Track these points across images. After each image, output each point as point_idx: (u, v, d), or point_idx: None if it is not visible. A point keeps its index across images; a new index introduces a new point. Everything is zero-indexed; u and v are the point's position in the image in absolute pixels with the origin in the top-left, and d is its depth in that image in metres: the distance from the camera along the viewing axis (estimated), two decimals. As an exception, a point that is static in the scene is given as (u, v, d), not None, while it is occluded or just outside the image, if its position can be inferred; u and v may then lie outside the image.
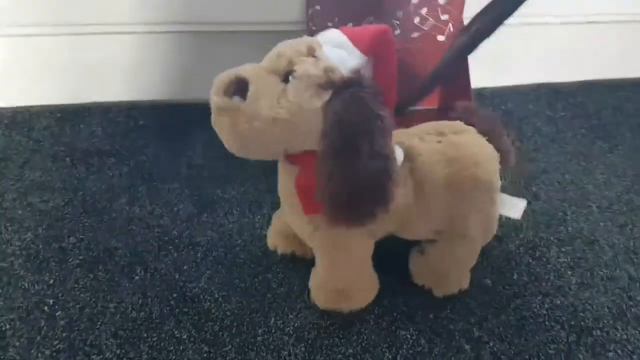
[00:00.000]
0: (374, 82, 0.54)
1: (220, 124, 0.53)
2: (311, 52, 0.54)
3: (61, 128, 0.90)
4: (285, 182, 0.60)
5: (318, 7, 0.86)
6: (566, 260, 0.76)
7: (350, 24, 0.88)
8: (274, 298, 0.67)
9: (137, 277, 0.68)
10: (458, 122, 0.66)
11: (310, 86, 0.52)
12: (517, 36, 1.07)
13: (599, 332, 0.67)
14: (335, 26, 0.87)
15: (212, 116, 0.54)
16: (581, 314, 0.69)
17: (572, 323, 0.67)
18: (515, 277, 0.73)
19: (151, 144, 0.89)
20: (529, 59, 1.12)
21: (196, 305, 0.65)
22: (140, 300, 0.65)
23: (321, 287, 0.65)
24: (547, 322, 0.67)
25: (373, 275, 0.65)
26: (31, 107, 0.94)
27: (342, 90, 0.52)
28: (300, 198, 0.58)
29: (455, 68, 0.66)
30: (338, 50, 0.54)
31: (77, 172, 0.82)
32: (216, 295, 0.67)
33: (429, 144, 0.63)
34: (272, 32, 0.92)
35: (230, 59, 0.92)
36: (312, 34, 0.87)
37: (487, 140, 0.64)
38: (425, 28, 0.92)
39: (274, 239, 0.72)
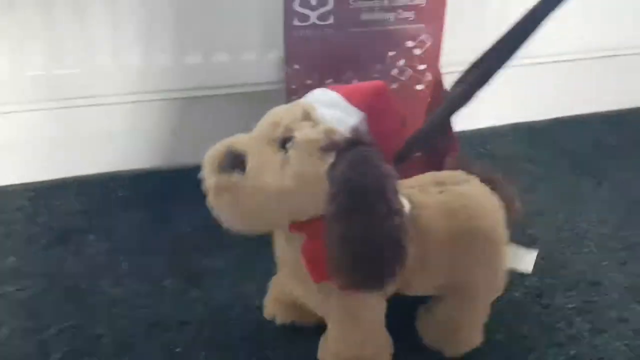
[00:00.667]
0: (373, 139, 0.52)
1: (220, 204, 0.51)
2: (307, 116, 0.52)
3: (35, 207, 0.86)
4: (289, 252, 0.57)
5: (297, 66, 0.85)
6: (574, 305, 0.73)
7: (330, 80, 0.87)
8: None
9: (126, 366, 0.63)
10: (459, 171, 0.64)
11: (312, 151, 0.51)
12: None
13: (618, 382, 0.64)
14: (316, 84, 0.87)
15: (210, 196, 0.51)
16: (598, 363, 0.66)
17: (590, 374, 0.64)
18: (526, 329, 0.70)
19: (132, 216, 0.85)
20: (503, 100, 1.13)
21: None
22: (132, 392, 0.60)
23: (334, 357, 0.61)
24: (564, 376, 0.64)
25: (387, 336, 0.62)
26: (1, 187, 0.89)
27: (345, 150, 0.51)
28: (309, 267, 0.55)
29: (451, 118, 0.64)
30: (333, 111, 0.53)
31: (55, 254, 0.78)
32: None
33: (429, 195, 0.60)
34: (252, 93, 0.90)
35: (211, 123, 0.91)
36: (292, 92, 0.86)
37: (491, 189, 0.62)
38: (404, 79, 0.91)
39: (272, 308, 0.68)
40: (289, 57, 0.85)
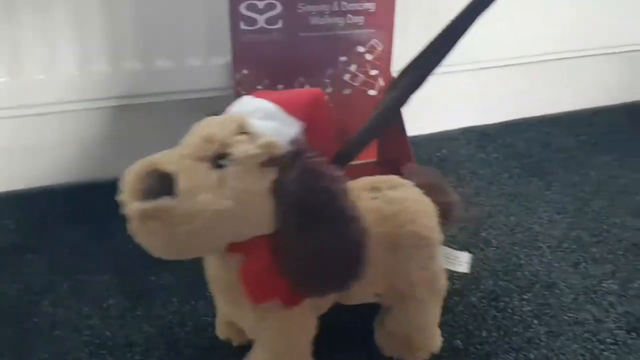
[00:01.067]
0: (313, 149, 0.51)
1: (146, 233, 0.46)
2: (243, 129, 0.49)
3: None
4: (224, 273, 0.53)
5: (246, 72, 0.83)
6: (530, 308, 0.73)
7: (281, 86, 0.85)
8: None
9: (69, 394, 0.59)
10: (394, 176, 0.63)
11: (252, 167, 0.48)
12: (440, 84, 1.08)
13: (578, 384, 0.64)
14: (267, 89, 0.84)
15: (133, 224, 0.45)
16: (556, 366, 0.66)
17: (550, 378, 0.64)
18: (484, 334, 0.69)
19: (72, 231, 0.81)
20: (453, 105, 1.14)
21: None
22: (75, 422, 0.56)
23: None
24: (525, 381, 0.64)
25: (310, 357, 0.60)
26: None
27: (288, 164, 0.49)
28: (248, 288, 0.52)
29: (387, 123, 0.64)
30: (269, 122, 0.50)
31: (-11, 274, 0.72)
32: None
33: (364, 202, 0.58)
34: (198, 100, 0.87)
35: (154, 131, 0.87)
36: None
37: (427, 193, 0.62)
38: (356, 84, 0.90)
39: (225, 331, 0.65)
40: (237, 61, 0.82)
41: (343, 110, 0.91)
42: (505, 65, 1.15)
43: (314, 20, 0.83)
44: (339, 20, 0.84)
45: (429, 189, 0.62)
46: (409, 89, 0.61)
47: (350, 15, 0.84)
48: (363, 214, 0.55)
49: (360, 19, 0.85)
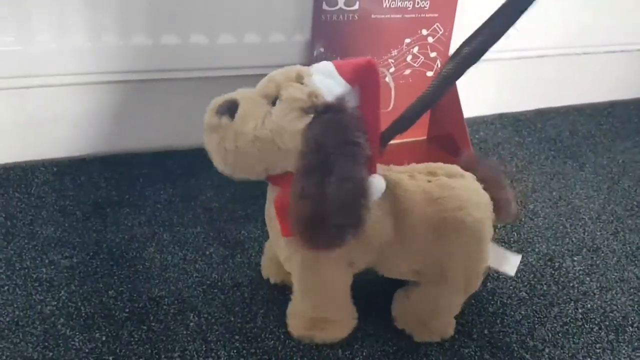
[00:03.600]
0: (356, 110, 0.55)
1: (210, 142, 0.56)
2: (299, 79, 0.56)
3: (61, 182, 0.86)
4: (268, 205, 0.61)
5: (322, 49, 0.90)
6: (581, 268, 0.82)
7: (350, 64, 0.92)
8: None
9: (192, 324, 0.66)
10: (455, 165, 0.65)
11: (294, 109, 0.54)
12: (479, 71, 1.16)
13: (631, 329, 0.72)
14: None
15: (204, 135, 0.56)
16: (611, 314, 0.74)
17: (607, 323, 0.73)
18: (545, 287, 0.77)
19: (161, 191, 0.87)
20: (489, 91, 1.22)
21: (261, 345, 0.64)
22: (204, 346, 0.63)
23: (296, 315, 0.64)
24: (586, 325, 0.72)
25: (350, 307, 0.64)
26: (22, 162, 0.89)
27: (323, 114, 0.54)
28: (279, 219, 0.58)
29: (441, 95, 0.64)
30: (326, 79, 0.56)
31: (93, 225, 0.79)
32: (277, 333, 0.66)
33: (417, 181, 0.62)
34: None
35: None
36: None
37: (485, 188, 0.63)
38: (416, 65, 0.98)
39: (266, 269, 0.71)
40: (315, 39, 0.90)
41: (401, 89, 0.99)
42: (538, 56, 1.23)
43: (386, 4, 0.91)
44: (408, 4, 0.92)
45: (489, 184, 0.64)
46: (465, 62, 0.61)
47: (417, 0, 0.92)
48: (408, 191, 0.59)
49: (426, 3, 0.93)
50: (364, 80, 0.56)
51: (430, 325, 0.66)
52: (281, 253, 0.62)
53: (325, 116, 0.53)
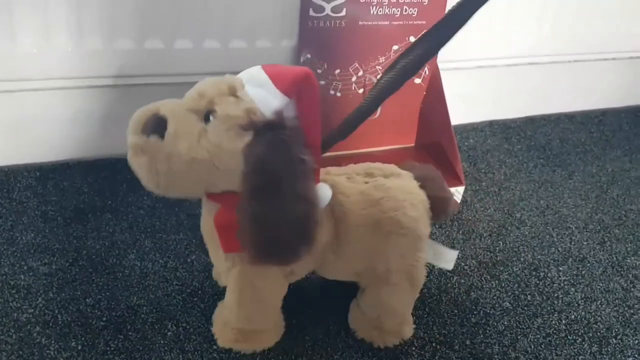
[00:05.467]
0: (296, 124, 0.53)
1: (138, 165, 0.52)
2: (233, 92, 0.53)
3: (44, 186, 0.85)
4: (207, 219, 0.59)
5: (309, 55, 0.89)
6: (567, 278, 0.81)
7: (337, 70, 0.92)
8: (314, 341, 0.66)
9: (169, 333, 0.65)
10: (392, 165, 0.65)
11: (231, 127, 0.52)
12: (468, 78, 1.16)
13: (614, 341, 0.72)
14: (325, 73, 0.91)
15: (129, 155, 0.52)
16: (594, 326, 0.74)
17: (590, 335, 0.72)
18: (529, 297, 0.77)
19: (144, 197, 0.86)
20: (480, 99, 1.21)
21: (239, 356, 0.63)
22: (181, 356, 0.63)
23: (225, 325, 0.63)
24: (569, 337, 0.72)
25: (279, 317, 0.64)
26: (4, 167, 0.88)
27: (264, 132, 0.52)
28: (220, 236, 0.57)
29: (378, 105, 0.64)
30: (260, 90, 0.53)
31: (74, 231, 0.78)
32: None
33: (355, 183, 0.62)
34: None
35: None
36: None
37: (423, 186, 0.64)
38: (404, 71, 0.97)
39: (217, 274, 0.72)
40: (302, 45, 0.89)
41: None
42: (529, 64, 1.23)
43: (374, 10, 0.90)
44: (396, 11, 0.92)
45: (426, 182, 0.64)
46: (405, 72, 0.61)
47: (405, 7, 0.92)
48: (346, 194, 0.59)
49: (414, 10, 0.92)
50: (302, 91, 0.54)
51: (385, 327, 0.66)
52: (220, 266, 0.62)
53: (268, 134, 0.51)
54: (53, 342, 0.63)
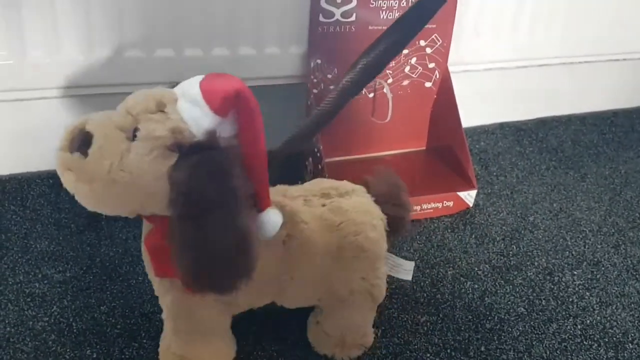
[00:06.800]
0: (231, 145, 0.49)
1: (66, 182, 0.49)
2: (160, 107, 0.49)
3: (57, 194, 0.85)
4: (143, 237, 0.56)
5: (319, 61, 0.89)
6: (581, 282, 0.81)
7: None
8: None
9: (184, 341, 0.65)
10: (345, 182, 0.63)
11: (155, 148, 0.48)
12: (479, 80, 1.16)
13: (631, 345, 0.71)
14: (334, 78, 0.91)
15: (58, 171, 0.49)
16: (610, 331, 0.73)
17: (606, 339, 0.72)
18: (544, 302, 0.76)
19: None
20: (490, 101, 1.21)
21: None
22: (195, 364, 0.62)
23: (166, 351, 0.61)
24: (585, 342, 0.71)
25: (227, 345, 0.62)
26: (18, 174, 0.88)
27: (190, 154, 0.48)
28: (151, 259, 0.54)
29: (340, 109, 0.60)
30: (192, 107, 0.49)
31: (88, 239, 0.78)
32: (269, 351, 0.65)
33: (312, 207, 0.60)
34: (273, 87, 0.93)
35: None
36: (313, 86, 0.90)
37: (378, 202, 0.62)
38: (414, 76, 0.97)
39: None
40: (312, 51, 0.89)
41: (399, 100, 0.98)
42: (538, 65, 1.22)
43: (384, 15, 0.90)
44: (406, 16, 0.91)
45: (383, 198, 0.62)
46: (364, 75, 0.59)
47: (415, 12, 0.91)
48: (305, 221, 0.56)
49: (424, 15, 0.92)
50: (237, 109, 0.49)
51: (348, 343, 0.65)
52: (156, 290, 0.59)
53: (194, 157, 0.47)
54: (68, 350, 0.63)
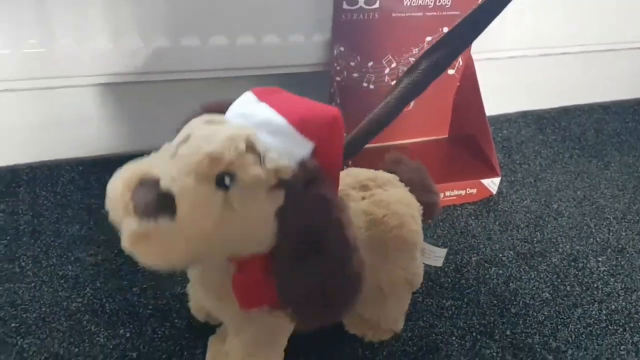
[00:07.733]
0: (320, 170, 0.47)
1: (142, 251, 0.43)
2: (251, 148, 0.44)
3: (87, 180, 0.87)
4: (213, 273, 0.52)
5: (342, 48, 0.90)
6: (606, 268, 0.81)
7: (370, 63, 0.92)
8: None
9: (214, 322, 0.66)
10: (380, 171, 0.63)
11: (259, 192, 0.44)
12: (501, 69, 1.15)
13: (657, 331, 0.71)
14: (358, 65, 0.92)
15: (126, 241, 0.43)
16: (635, 316, 0.73)
17: (632, 324, 0.72)
18: (568, 288, 0.77)
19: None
20: (513, 89, 1.21)
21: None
22: (226, 344, 0.64)
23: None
24: (610, 327, 0.71)
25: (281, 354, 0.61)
26: (48, 161, 0.90)
27: (297, 190, 0.45)
28: (239, 295, 0.51)
29: (396, 115, 0.59)
30: (278, 139, 0.46)
31: (117, 223, 0.80)
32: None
33: (354, 202, 0.59)
34: (298, 74, 0.94)
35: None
36: (336, 73, 0.91)
37: (411, 190, 0.62)
38: (438, 63, 0.97)
39: (204, 316, 0.66)
40: (335, 39, 0.90)
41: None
42: (562, 54, 1.21)
43: (407, 2, 0.90)
44: (429, 2, 0.91)
45: (414, 186, 0.62)
46: (423, 78, 0.58)
47: (439, -2, 0.92)
48: (352, 218, 0.52)
49: (447, 1, 0.92)
50: (326, 137, 0.47)
51: (381, 326, 0.66)
52: (227, 317, 0.56)
53: (303, 193, 0.45)
54: (102, 329, 0.65)
